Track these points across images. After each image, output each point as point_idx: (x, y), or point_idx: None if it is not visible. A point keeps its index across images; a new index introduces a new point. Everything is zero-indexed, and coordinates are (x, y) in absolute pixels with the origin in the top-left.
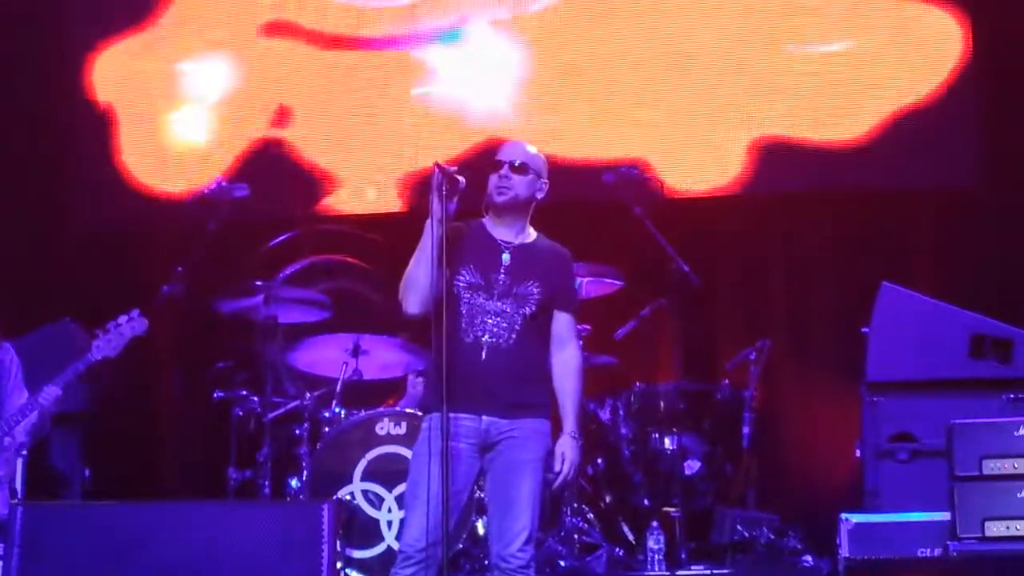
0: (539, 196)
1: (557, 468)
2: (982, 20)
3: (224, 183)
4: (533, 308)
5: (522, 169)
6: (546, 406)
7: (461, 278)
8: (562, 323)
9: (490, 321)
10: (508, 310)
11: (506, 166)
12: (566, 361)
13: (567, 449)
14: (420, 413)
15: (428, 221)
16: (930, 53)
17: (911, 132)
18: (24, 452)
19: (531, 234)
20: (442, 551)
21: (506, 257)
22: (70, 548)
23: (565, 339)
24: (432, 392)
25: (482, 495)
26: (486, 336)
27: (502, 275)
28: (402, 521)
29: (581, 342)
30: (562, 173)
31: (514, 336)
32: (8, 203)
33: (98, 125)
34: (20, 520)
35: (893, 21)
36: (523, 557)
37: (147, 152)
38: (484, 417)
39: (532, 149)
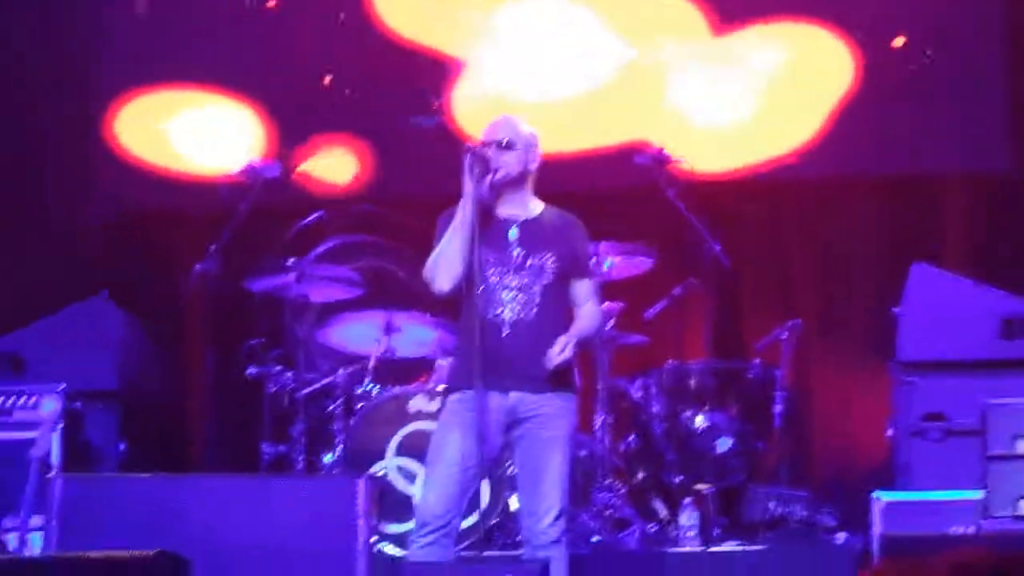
0: (532, 168)
1: (557, 350)
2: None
3: (256, 164)
4: (551, 278)
5: (508, 146)
6: (572, 380)
7: (477, 258)
8: (579, 289)
9: (507, 296)
10: (526, 284)
11: (493, 146)
12: (582, 313)
13: (568, 342)
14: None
15: (460, 202)
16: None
17: (940, 115)
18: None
19: (537, 206)
20: (478, 524)
21: (514, 232)
22: (107, 520)
23: (582, 301)
24: (456, 371)
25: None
26: (506, 312)
27: (514, 250)
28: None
29: (604, 307)
30: (594, 157)
31: (534, 310)
32: (40, 181)
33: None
34: (59, 492)
35: None
36: (553, 532)
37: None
38: (512, 394)
39: (517, 124)
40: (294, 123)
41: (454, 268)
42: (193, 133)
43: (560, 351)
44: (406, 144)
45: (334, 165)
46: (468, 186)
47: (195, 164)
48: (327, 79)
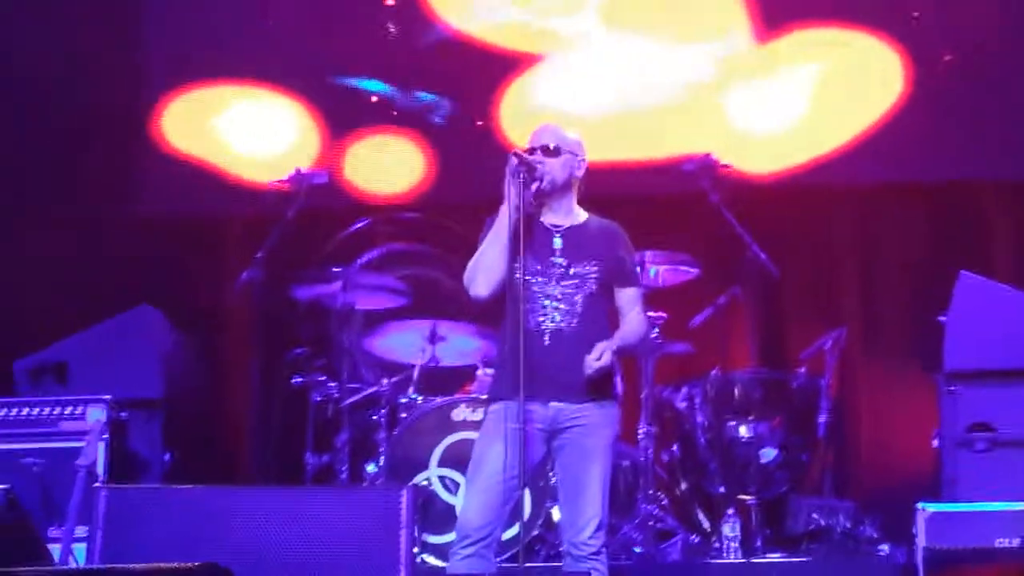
0: (578, 174)
1: (595, 356)
2: None
3: (303, 170)
4: (593, 288)
5: (555, 152)
6: (612, 388)
7: (519, 266)
8: (624, 298)
9: (549, 305)
10: (568, 293)
11: (539, 151)
12: (627, 320)
13: (607, 348)
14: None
15: (502, 207)
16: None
17: (987, 123)
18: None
19: (581, 215)
20: (519, 535)
21: (558, 241)
22: (151, 531)
23: (627, 310)
24: (498, 380)
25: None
26: (547, 321)
27: (557, 259)
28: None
29: (649, 316)
30: (641, 163)
31: (576, 319)
32: (83, 184)
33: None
34: (103, 503)
35: None
36: (594, 544)
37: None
38: (552, 403)
39: (563, 130)
40: (342, 124)
41: (493, 274)
42: (239, 131)
43: (598, 357)
44: (455, 145)
45: (382, 168)
46: (511, 192)
47: (241, 164)
48: (374, 98)
